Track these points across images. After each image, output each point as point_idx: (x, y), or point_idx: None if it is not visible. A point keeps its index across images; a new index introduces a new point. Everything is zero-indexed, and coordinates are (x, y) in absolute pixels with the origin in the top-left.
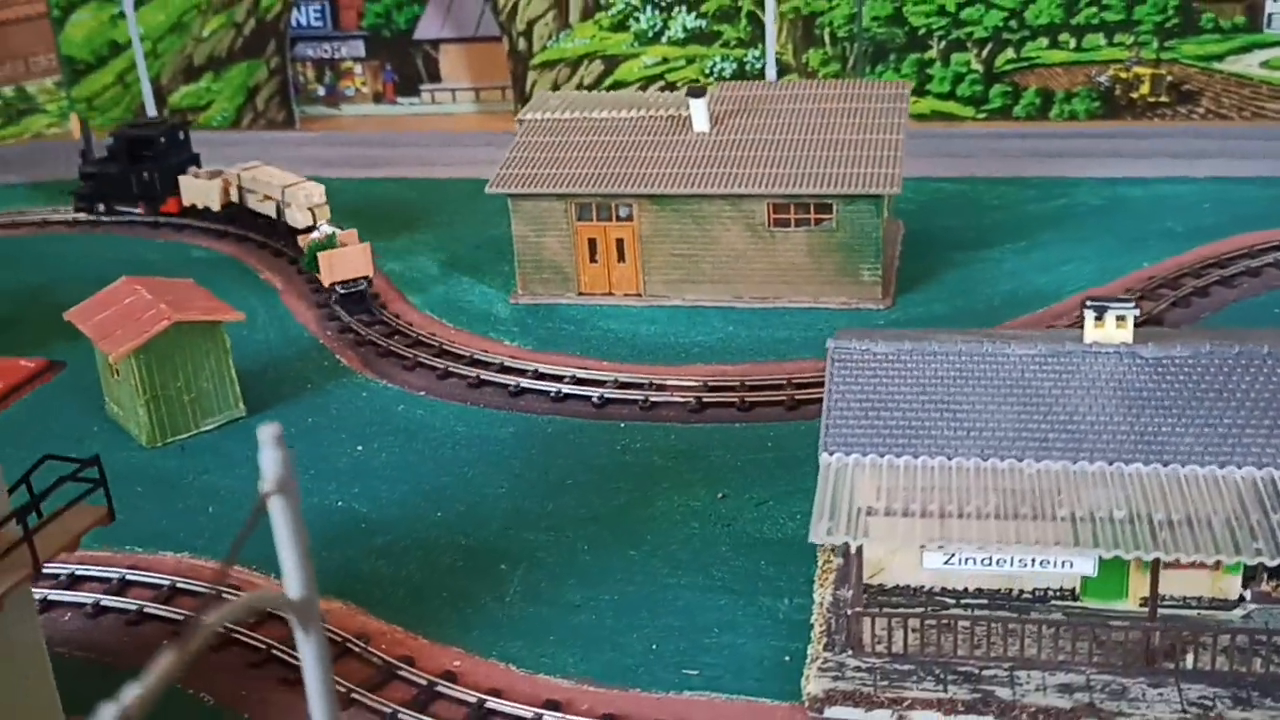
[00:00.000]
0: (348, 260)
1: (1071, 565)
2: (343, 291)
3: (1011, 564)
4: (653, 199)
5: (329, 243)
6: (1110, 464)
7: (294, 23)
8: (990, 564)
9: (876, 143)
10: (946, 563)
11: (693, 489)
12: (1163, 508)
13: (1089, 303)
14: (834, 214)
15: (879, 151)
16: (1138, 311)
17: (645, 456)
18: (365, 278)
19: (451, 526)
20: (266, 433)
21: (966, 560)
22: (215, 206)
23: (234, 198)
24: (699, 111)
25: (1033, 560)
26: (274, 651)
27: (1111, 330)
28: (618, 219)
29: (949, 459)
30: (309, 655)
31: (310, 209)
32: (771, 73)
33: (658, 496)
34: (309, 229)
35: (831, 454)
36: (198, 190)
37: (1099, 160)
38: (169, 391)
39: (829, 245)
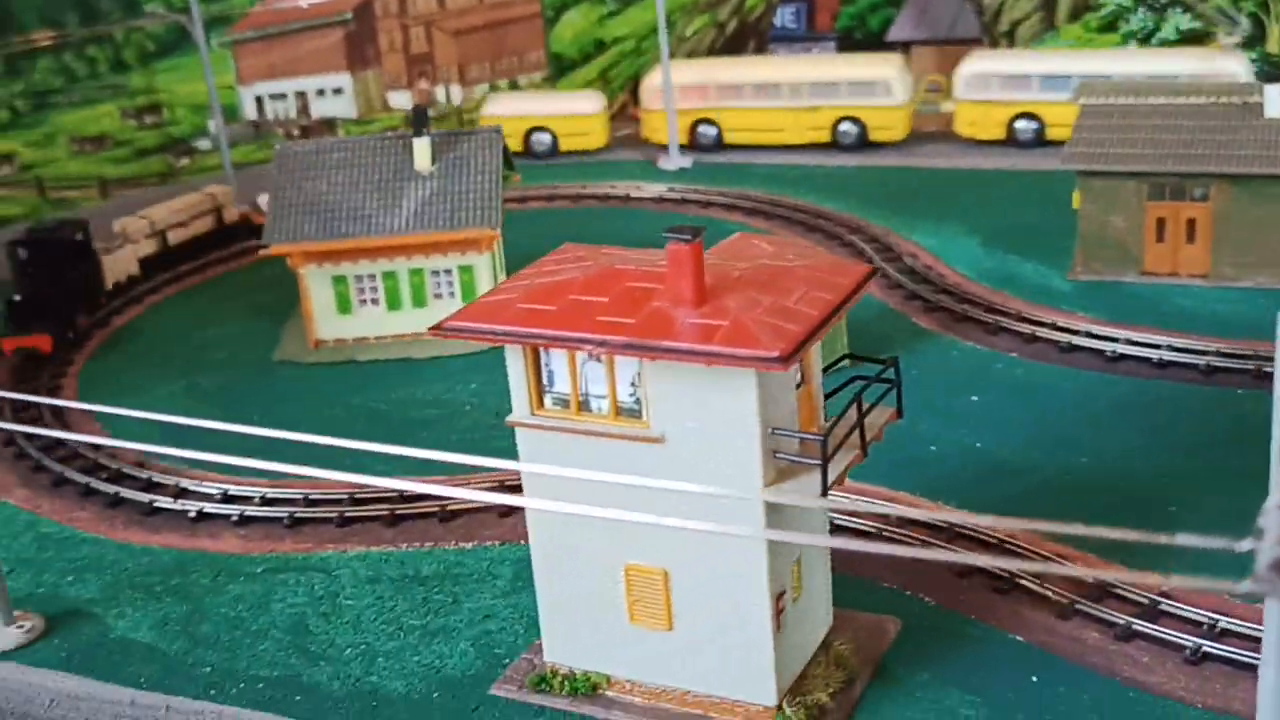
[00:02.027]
0: None
1: None
2: None
3: None
4: (1233, 180)
5: None
6: None
7: (773, 24)
8: None
9: None
10: None
11: None
12: None
13: None
14: None
15: None
16: None
17: (1265, 422)
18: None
19: (1094, 470)
20: None
21: None
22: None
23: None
24: (1275, 97)
25: None
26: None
27: None
28: (1192, 199)
29: None
30: None
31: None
32: None
33: None
34: None
35: None
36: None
37: None
38: None
39: None
